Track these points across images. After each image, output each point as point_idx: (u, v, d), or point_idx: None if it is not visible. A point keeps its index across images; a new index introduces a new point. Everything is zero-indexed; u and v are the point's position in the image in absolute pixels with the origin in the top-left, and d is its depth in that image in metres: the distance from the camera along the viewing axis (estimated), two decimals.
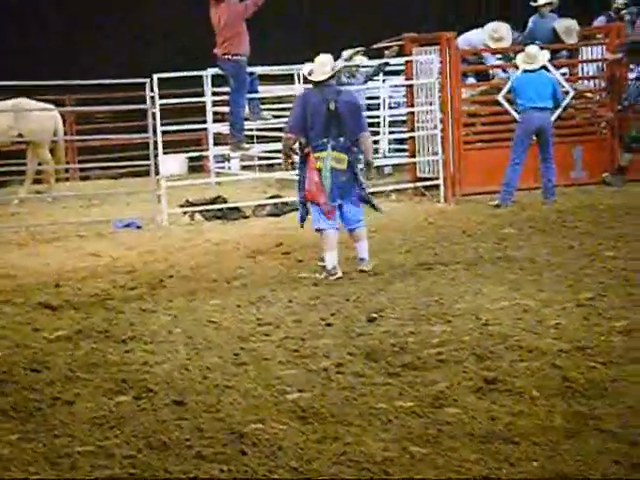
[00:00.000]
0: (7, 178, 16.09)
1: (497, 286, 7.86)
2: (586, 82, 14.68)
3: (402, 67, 14.66)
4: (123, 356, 6.31)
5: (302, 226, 9.10)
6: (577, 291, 7.58)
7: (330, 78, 8.87)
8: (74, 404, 5.37)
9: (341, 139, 8.72)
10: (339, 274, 8.60)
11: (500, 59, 14.42)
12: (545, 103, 12.33)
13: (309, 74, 8.92)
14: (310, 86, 9.07)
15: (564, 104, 13.14)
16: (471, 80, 14.51)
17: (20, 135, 14.24)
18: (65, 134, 18.44)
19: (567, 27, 14.04)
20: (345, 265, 8.96)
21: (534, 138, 12.43)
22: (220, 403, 5.29)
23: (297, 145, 8.87)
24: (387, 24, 17.22)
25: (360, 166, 9.15)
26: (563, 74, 14.00)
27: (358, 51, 13.63)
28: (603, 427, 4.74)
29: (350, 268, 8.90)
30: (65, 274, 9.23)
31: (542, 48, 12.96)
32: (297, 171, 9.04)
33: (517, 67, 12.82)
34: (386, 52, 14.18)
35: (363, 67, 13.95)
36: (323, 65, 8.85)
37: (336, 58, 13.35)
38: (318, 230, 8.83)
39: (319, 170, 8.70)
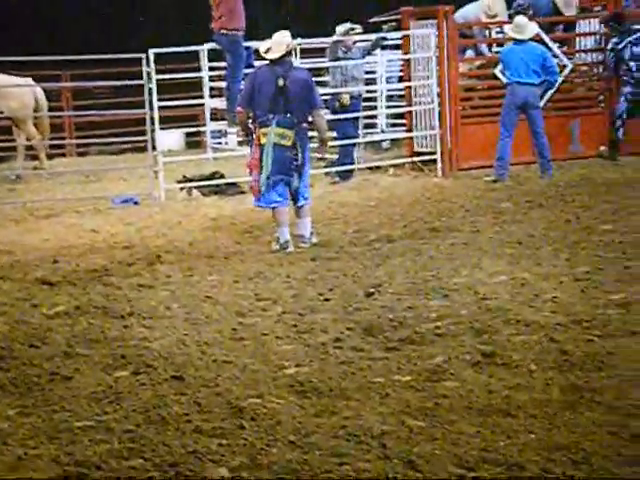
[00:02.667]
0: (3, 154, 16.05)
1: (495, 260, 7.87)
2: (583, 55, 14.63)
3: (400, 41, 14.61)
4: (122, 332, 6.32)
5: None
6: (574, 265, 7.59)
7: (284, 56, 8.93)
8: (73, 379, 5.39)
9: (288, 115, 8.79)
10: (290, 249, 8.78)
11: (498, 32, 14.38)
12: (530, 77, 12.14)
13: (265, 52, 9.02)
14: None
15: (560, 78, 13.10)
16: (470, 53, 14.47)
17: (0, 112, 14.15)
18: (62, 110, 18.46)
19: None
20: (341, 240, 8.99)
21: (520, 112, 12.35)
22: (218, 378, 5.31)
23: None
24: None
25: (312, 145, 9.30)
26: (560, 46, 13.95)
27: (353, 27, 13.56)
28: (600, 399, 4.77)
29: (344, 242, 8.92)
30: (63, 250, 9.23)
31: (539, 23, 12.95)
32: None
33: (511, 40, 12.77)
34: (383, 26, 14.11)
35: (360, 42, 13.87)
36: (279, 44, 8.95)
37: (332, 34, 13.34)
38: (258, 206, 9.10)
39: (262, 146, 8.81)
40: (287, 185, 8.89)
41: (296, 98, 8.80)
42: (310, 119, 9.01)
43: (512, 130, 12.33)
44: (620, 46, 13.30)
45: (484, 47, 14.43)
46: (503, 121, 12.37)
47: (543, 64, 12.16)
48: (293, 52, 9.20)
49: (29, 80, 14.25)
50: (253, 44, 13.27)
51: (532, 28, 12.51)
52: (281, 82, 8.80)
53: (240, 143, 16.30)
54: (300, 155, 8.84)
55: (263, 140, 8.82)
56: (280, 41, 8.96)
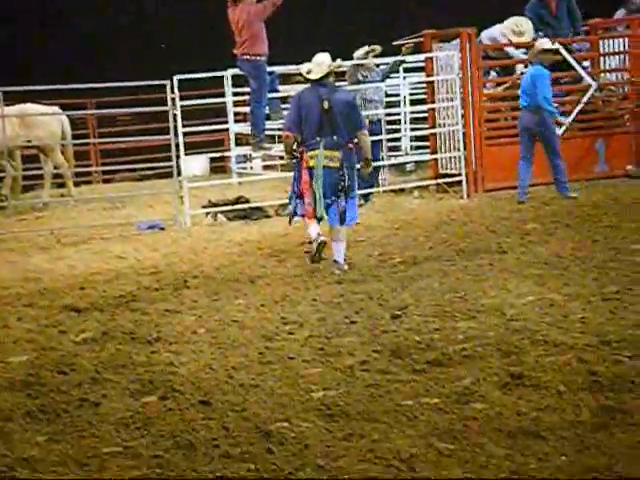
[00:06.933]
0: (30, 182, 16.17)
1: (522, 281, 7.83)
2: (608, 75, 14.58)
3: (422, 64, 14.63)
4: (149, 357, 6.33)
5: (290, 223, 9.23)
6: (602, 285, 7.54)
7: (326, 76, 8.97)
8: (101, 405, 5.39)
9: (334, 137, 8.81)
10: (323, 238, 8.86)
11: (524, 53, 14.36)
12: (530, 101, 12.03)
13: (307, 73, 9.04)
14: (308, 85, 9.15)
15: (585, 98, 13.07)
16: (494, 75, 14.45)
17: (29, 141, 14.29)
18: (87, 137, 18.62)
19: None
20: (367, 263, 8.97)
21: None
22: (246, 402, 5.30)
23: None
24: (406, 21, 17.23)
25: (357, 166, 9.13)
26: (584, 67, 13.92)
27: (369, 50, 13.56)
28: (631, 421, 4.72)
29: (370, 265, 8.90)
30: (90, 276, 9.27)
31: (563, 44, 12.89)
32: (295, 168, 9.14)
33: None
34: (403, 49, 14.12)
35: (378, 65, 13.89)
36: (320, 64, 8.98)
37: (349, 58, 13.36)
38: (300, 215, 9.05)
39: (311, 169, 8.82)
40: (336, 206, 8.87)
41: (341, 119, 8.81)
42: (355, 140, 8.97)
43: (527, 153, 12.21)
44: None
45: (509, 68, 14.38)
46: (520, 144, 12.32)
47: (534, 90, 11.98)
48: (333, 73, 9.15)
49: (56, 109, 14.39)
50: (277, 69, 13.36)
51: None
52: (326, 104, 8.82)
53: (265, 167, 16.40)
54: (347, 176, 8.82)
55: (311, 163, 8.82)
56: (321, 62, 9.00)
